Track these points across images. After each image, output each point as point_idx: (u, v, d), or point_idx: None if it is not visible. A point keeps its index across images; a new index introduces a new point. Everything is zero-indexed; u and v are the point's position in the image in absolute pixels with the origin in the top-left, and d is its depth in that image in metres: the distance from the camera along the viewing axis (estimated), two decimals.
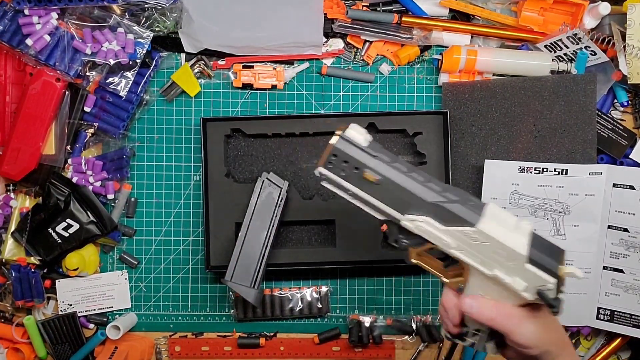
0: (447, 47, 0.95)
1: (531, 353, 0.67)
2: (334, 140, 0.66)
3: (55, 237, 0.93)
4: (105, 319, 0.97)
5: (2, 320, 0.97)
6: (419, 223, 0.66)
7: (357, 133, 0.66)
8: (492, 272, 0.66)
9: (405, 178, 0.66)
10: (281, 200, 0.89)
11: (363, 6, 0.95)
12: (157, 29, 0.92)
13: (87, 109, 0.93)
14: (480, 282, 0.67)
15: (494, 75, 0.96)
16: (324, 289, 0.97)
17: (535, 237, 0.65)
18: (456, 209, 0.65)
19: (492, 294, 0.67)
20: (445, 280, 0.70)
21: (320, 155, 0.72)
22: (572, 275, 0.64)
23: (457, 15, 0.97)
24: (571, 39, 0.91)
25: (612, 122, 0.95)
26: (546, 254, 0.64)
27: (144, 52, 0.91)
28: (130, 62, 0.92)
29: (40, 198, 0.94)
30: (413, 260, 0.71)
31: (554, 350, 0.68)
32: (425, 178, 0.67)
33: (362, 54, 0.97)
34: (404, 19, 0.94)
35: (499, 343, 0.70)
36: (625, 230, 0.92)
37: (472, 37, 0.96)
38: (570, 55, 0.94)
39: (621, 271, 0.92)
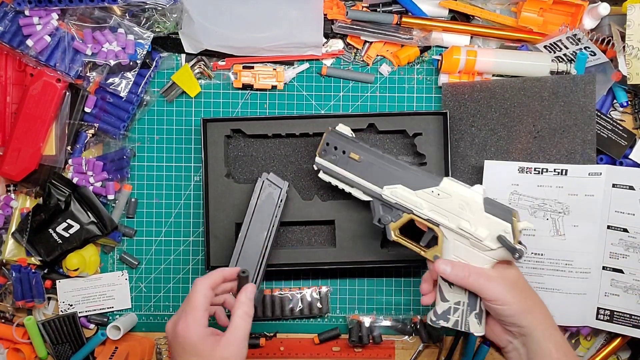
0: (447, 47, 0.96)
1: (505, 313, 0.75)
2: (326, 132, 0.86)
3: (56, 237, 0.93)
4: (105, 319, 0.97)
5: (3, 320, 0.97)
6: (395, 190, 0.82)
7: (344, 128, 0.87)
8: (459, 225, 0.79)
9: (380, 157, 0.84)
10: (281, 201, 0.89)
11: (363, 7, 0.96)
12: (157, 29, 0.93)
13: (87, 110, 0.94)
14: (452, 245, 0.80)
15: (493, 75, 0.96)
16: (324, 289, 0.97)
17: (487, 198, 0.79)
18: (421, 174, 0.82)
19: (463, 255, 0.79)
20: (422, 253, 0.83)
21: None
22: (525, 226, 0.77)
23: (457, 16, 0.97)
24: (571, 40, 0.91)
25: (611, 122, 0.95)
26: (497, 208, 0.78)
27: (145, 52, 0.92)
28: (131, 63, 0.92)
29: (41, 198, 0.94)
30: (394, 237, 0.84)
31: (538, 332, 0.74)
32: (394, 159, 0.84)
33: (362, 54, 0.97)
34: (403, 19, 0.94)
35: (480, 316, 0.79)
36: (625, 230, 0.92)
37: (471, 37, 0.97)
38: (570, 55, 0.94)
39: (621, 271, 0.92)
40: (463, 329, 0.79)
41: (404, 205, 0.82)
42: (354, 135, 0.87)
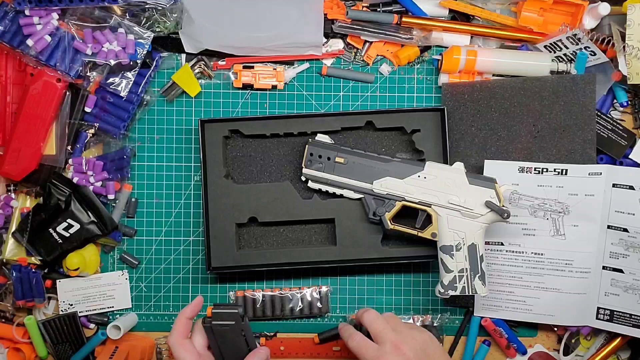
0: (447, 47, 0.96)
1: None
2: (308, 144, 0.91)
3: (56, 237, 0.93)
4: (105, 319, 0.97)
5: (3, 320, 0.97)
6: (384, 182, 0.89)
7: (323, 137, 0.92)
8: (449, 200, 0.87)
9: (364, 155, 0.90)
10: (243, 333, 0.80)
11: (363, 7, 0.96)
12: (157, 29, 0.93)
13: (87, 110, 0.94)
14: (445, 220, 0.87)
15: (493, 75, 0.96)
16: (324, 288, 0.97)
17: (467, 172, 0.88)
18: (405, 162, 0.89)
19: (457, 226, 0.87)
20: (420, 234, 0.89)
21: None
22: (507, 189, 0.87)
23: (457, 16, 0.97)
24: (571, 40, 0.91)
25: (611, 122, 0.95)
26: (479, 178, 0.87)
27: (145, 52, 0.92)
28: (131, 63, 0.92)
29: (41, 198, 0.94)
30: (390, 226, 0.90)
31: None
32: (377, 154, 0.90)
33: (362, 54, 0.97)
34: (403, 19, 0.94)
35: (483, 277, 0.87)
36: (625, 230, 0.92)
37: (471, 37, 0.97)
38: (570, 55, 0.94)
39: (621, 271, 0.92)
40: (471, 293, 0.86)
41: (395, 194, 0.89)
42: (333, 141, 0.92)
